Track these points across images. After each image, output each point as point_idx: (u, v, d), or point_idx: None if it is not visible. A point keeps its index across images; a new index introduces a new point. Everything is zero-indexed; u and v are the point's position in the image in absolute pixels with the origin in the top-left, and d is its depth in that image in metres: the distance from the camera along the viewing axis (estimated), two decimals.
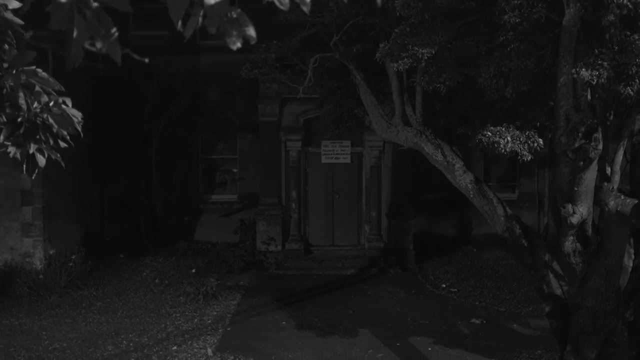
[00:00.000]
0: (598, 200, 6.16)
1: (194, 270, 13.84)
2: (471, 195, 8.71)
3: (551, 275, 8.01)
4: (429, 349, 9.56)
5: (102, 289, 12.56)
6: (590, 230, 6.50)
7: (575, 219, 6.21)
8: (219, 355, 9.23)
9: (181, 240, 15.88)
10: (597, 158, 5.77)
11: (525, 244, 8.17)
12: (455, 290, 12.88)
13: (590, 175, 5.96)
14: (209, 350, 9.41)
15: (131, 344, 9.71)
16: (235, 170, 17.06)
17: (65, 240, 13.52)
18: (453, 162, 8.80)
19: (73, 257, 12.50)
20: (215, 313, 11.27)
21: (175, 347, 9.56)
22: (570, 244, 6.61)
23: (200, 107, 16.39)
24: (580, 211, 6.16)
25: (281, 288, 12.92)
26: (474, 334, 10.28)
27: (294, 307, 11.62)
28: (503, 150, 5.79)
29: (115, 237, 15.98)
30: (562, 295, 7.97)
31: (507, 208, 8.57)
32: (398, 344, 9.71)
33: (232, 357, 9.14)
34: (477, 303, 12.01)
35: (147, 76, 15.44)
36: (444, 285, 13.20)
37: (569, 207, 6.18)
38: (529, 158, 5.93)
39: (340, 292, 12.73)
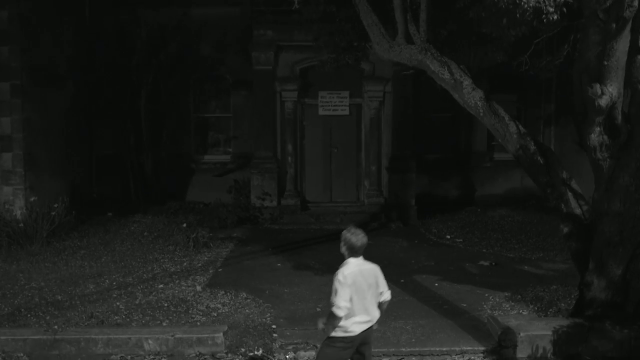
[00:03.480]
0: (630, 79, 5.48)
1: (185, 225, 13.09)
2: (481, 114, 8.05)
3: (570, 194, 7.34)
4: (436, 284, 8.88)
5: (86, 240, 11.83)
6: (619, 118, 5.81)
7: (603, 101, 5.52)
8: (208, 291, 8.52)
9: (172, 200, 15.19)
10: (632, 18, 5.07)
11: (541, 161, 7.51)
12: (461, 240, 12.21)
13: (622, 46, 5.26)
14: (198, 287, 8.71)
15: (114, 283, 8.99)
16: (228, 128, 16.34)
17: (49, 193, 12.76)
18: (461, 80, 8.13)
19: (56, 205, 11.76)
20: (206, 258, 10.57)
21: (161, 286, 8.84)
22: (596, 136, 5.93)
23: (192, 62, 15.66)
24: (610, 91, 5.48)
25: (276, 239, 12.25)
26: (484, 273, 9.61)
27: (290, 253, 10.95)
28: (526, 5, 5.09)
29: (103, 196, 15.26)
30: (582, 215, 7.30)
31: (520, 126, 7.93)
32: (402, 281, 9.02)
33: (223, 292, 8.43)
34: (484, 250, 11.34)
35: (135, 25, 14.74)
36: (448, 237, 12.53)
37: (597, 86, 5.49)
38: (555, 17, 5.24)
39: (339, 242, 11.98)
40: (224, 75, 16.04)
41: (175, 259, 10.52)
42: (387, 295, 4.89)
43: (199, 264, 10.13)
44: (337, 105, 14.40)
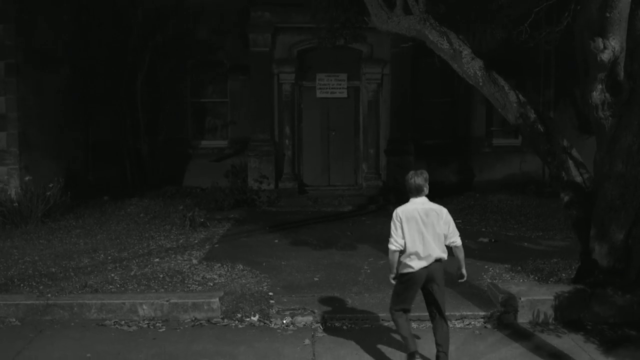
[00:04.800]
0: (633, 32, 5.38)
1: (181, 207, 13.01)
2: (480, 83, 7.96)
3: (570, 162, 7.26)
4: None
5: (82, 220, 11.72)
6: (622, 74, 5.71)
7: (606, 56, 5.43)
8: (204, 263, 8.41)
9: (169, 185, 15.07)
10: None
11: (542, 129, 7.43)
12: (460, 221, 12.02)
13: None
14: (194, 260, 8.60)
15: (109, 258, 8.88)
16: (226, 114, 16.21)
17: (44, 175, 12.62)
18: (460, 49, 8.04)
19: (51, 185, 11.63)
20: (202, 236, 10.45)
21: (157, 260, 8.72)
22: (598, 94, 5.82)
23: (189, 46, 15.54)
24: (612, 45, 5.38)
25: (274, 220, 12.15)
26: (483, 249, 9.52)
27: (288, 231, 10.85)
28: None
29: (99, 181, 15.14)
30: (583, 183, 7.21)
31: (520, 95, 7.83)
32: None
33: (219, 264, 8.32)
34: (483, 229, 11.25)
35: (132, 7, 14.61)
36: None
37: (599, 41, 5.40)
38: None
39: (337, 222, 11.95)
40: (222, 60, 15.91)
41: (172, 236, 10.41)
42: (455, 240, 5.00)
43: (196, 241, 10.02)
44: (335, 88, 14.29)
